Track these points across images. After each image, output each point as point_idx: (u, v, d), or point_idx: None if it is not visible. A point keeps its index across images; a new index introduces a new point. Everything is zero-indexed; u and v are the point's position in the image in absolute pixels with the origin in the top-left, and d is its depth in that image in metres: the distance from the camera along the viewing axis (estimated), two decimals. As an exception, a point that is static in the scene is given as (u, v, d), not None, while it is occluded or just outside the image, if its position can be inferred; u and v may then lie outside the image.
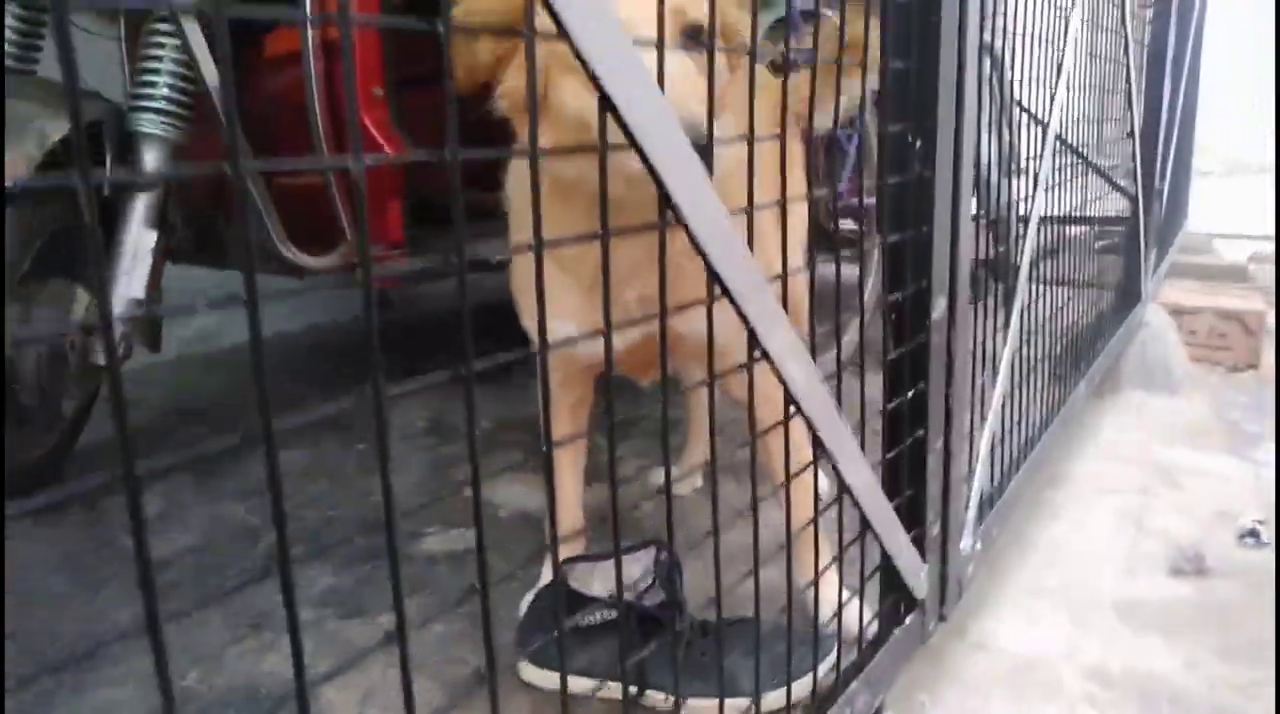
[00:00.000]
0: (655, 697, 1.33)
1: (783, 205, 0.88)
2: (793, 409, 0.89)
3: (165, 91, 1.96)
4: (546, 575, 1.55)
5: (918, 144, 1.11)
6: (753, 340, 0.80)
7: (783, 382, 0.86)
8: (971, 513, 1.45)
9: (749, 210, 0.81)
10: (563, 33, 0.54)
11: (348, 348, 3.55)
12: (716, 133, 0.77)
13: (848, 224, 2.85)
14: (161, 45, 1.95)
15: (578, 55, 0.55)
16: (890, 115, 1.10)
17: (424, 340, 3.41)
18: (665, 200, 0.65)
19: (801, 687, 1.25)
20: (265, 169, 2.25)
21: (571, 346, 1.25)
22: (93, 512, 2.04)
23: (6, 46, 1.91)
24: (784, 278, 0.87)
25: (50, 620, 1.61)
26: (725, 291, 0.73)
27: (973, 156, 1.23)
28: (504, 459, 2.30)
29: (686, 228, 0.68)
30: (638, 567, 1.33)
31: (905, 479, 1.22)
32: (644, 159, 0.63)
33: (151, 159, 1.94)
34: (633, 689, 1.33)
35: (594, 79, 0.56)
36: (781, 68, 0.88)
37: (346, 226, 2.14)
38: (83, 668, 1.47)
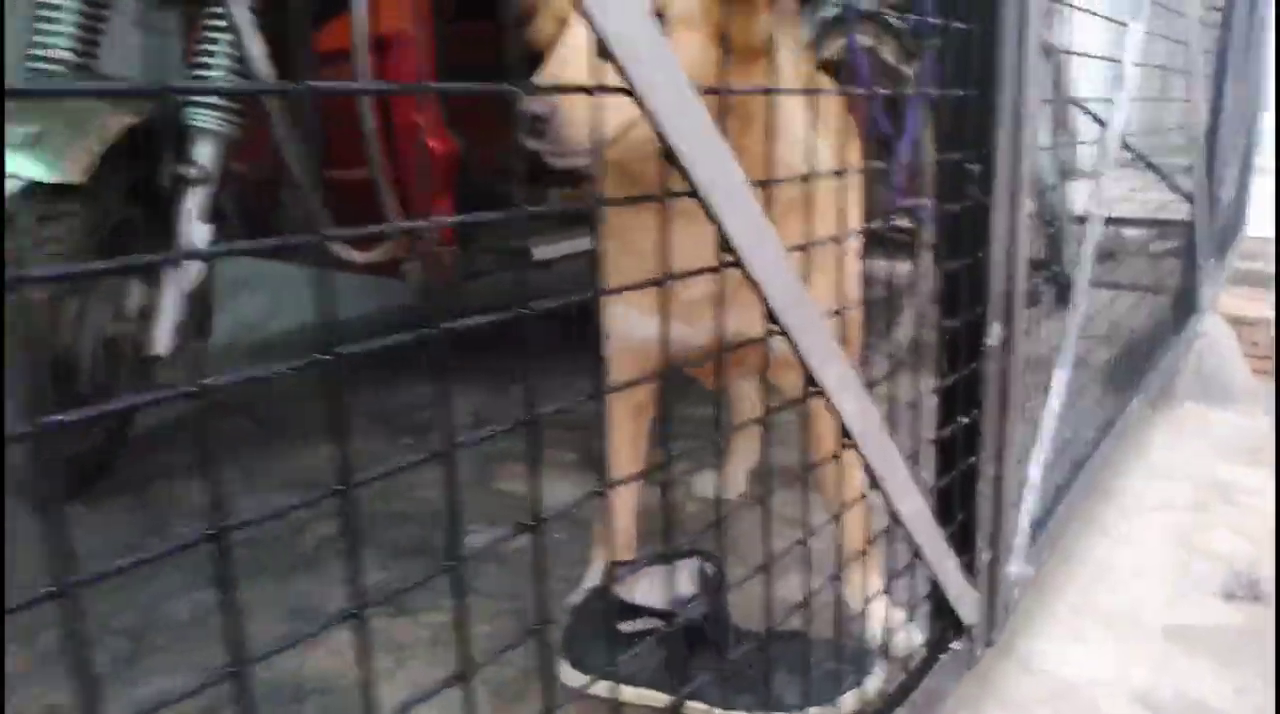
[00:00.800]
0: (697, 708, 1.33)
1: (837, 240, 0.87)
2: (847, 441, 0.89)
3: (228, 87, 1.99)
4: (592, 580, 1.56)
5: (975, 170, 1.09)
6: (807, 376, 0.80)
7: (837, 416, 0.85)
8: (1022, 538, 1.43)
9: (804, 247, 0.80)
10: (630, 89, 0.53)
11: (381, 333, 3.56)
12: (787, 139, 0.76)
13: (901, 223, 2.82)
14: (215, 40, 1.97)
15: (644, 110, 0.55)
16: (948, 141, 1.08)
17: (475, 331, 3.40)
18: (725, 245, 0.64)
19: (846, 705, 1.25)
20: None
21: (639, 340, 1.26)
22: (140, 498, 2.08)
23: (69, 42, 1.94)
24: (836, 314, 0.86)
25: (102, 609, 1.65)
26: (781, 331, 0.73)
27: (1031, 183, 1.21)
28: (553, 457, 2.31)
29: (745, 272, 0.67)
30: (683, 575, 1.33)
31: (957, 506, 1.20)
32: (706, 208, 0.62)
33: (206, 154, 1.97)
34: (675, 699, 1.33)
35: (660, 135, 0.56)
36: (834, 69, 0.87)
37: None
38: (135, 658, 1.51)
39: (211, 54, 1.97)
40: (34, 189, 1.70)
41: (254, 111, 2.02)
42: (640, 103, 0.57)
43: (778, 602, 0.94)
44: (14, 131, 1.75)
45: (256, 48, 1.88)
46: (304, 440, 2.44)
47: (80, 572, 0.40)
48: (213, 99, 1.96)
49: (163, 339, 1.91)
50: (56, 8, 1.93)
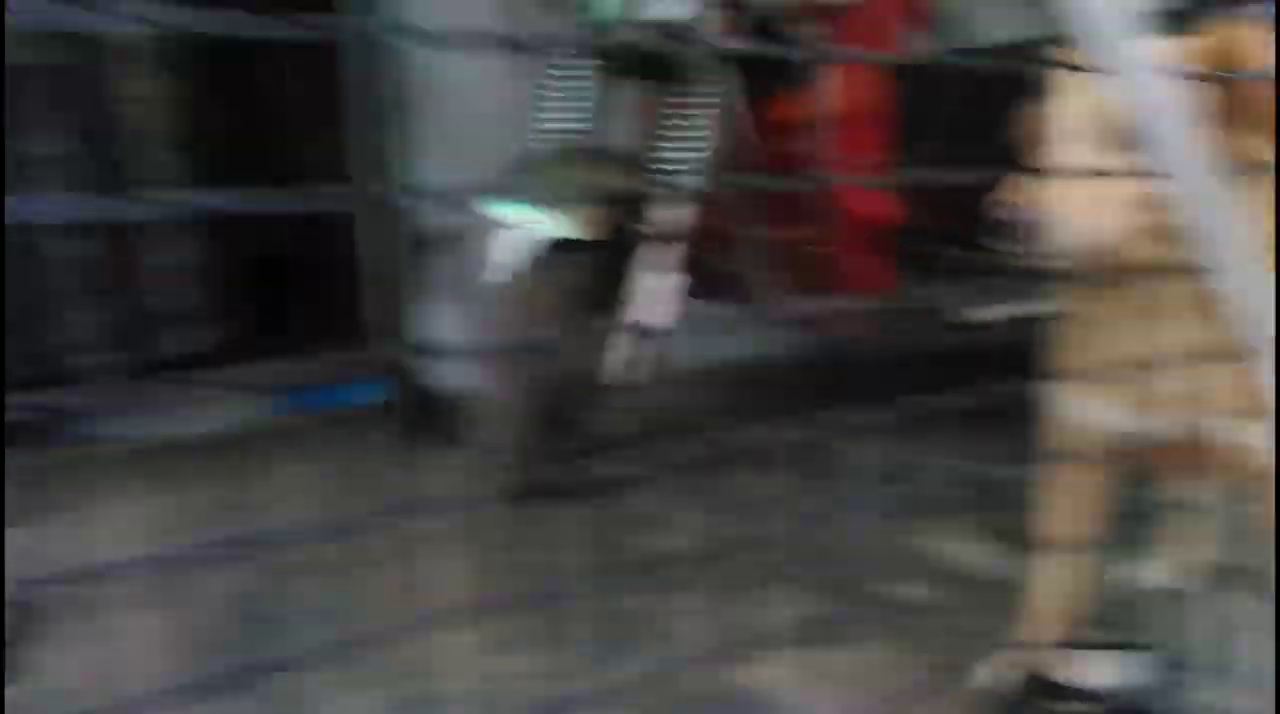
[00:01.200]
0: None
1: None
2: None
3: (701, 154, 2.25)
4: (1010, 651, 1.55)
5: None
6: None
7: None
8: None
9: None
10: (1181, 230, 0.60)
11: (807, 376, 3.56)
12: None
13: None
14: (699, 114, 2.25)
15: (1188, 248, 0.61)
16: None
17: (893, 376, 3.30)
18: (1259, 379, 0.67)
19: None
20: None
21: (1093, 428, 1.25)
22: (588, 505, 2.34)
23: (575, 116, 2.31)
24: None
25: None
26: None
27: None
28: (967, 518, 2.21)
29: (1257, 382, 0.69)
30: (1132, 664, 1.31)
31: None
32: (1236, 334, 0.66)
33: (680, 213, 2.23)
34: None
35: (1204, 269, 0.61)
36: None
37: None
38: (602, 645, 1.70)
39: (697, 125, 2.24)
40: (560, 244, 2.06)
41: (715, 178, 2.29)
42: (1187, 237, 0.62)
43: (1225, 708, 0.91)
44: (527, 193, 2.12)
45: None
46: (740, 466, 2.55)
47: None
48: (697, 166, 2.23)
49: (640, 371, 2.20)
50: (568, 88, 2.30)
